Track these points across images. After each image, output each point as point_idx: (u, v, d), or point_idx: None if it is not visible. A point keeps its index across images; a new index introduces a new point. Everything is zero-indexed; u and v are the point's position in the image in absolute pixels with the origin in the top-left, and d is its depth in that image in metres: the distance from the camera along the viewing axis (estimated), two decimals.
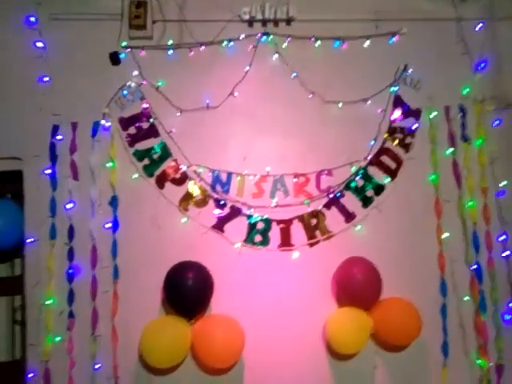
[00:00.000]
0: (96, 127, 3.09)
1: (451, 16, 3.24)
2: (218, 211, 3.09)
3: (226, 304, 2.98)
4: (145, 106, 3.13)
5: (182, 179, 3.11)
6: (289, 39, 3.19)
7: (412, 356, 3.04)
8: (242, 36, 3.17)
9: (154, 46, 3.17)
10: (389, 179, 3.16)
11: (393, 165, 3.18)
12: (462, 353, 3.06)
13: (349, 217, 3.13)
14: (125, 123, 3.12)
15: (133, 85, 3.13)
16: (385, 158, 3.19)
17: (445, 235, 3.11)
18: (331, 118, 3.19)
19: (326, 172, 3.14)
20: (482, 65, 3.22)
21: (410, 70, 3.22)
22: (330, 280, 3.07)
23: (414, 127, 3.20)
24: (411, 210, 3.14)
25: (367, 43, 3.22)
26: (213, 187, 3.11)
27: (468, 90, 3.22)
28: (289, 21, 3.20)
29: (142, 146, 3.12)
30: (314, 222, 3.11)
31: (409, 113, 3.22)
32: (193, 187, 3.10)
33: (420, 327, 2.88)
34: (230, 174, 3.11)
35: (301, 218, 3.11)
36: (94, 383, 2.91)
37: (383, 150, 3.19)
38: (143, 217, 3.06)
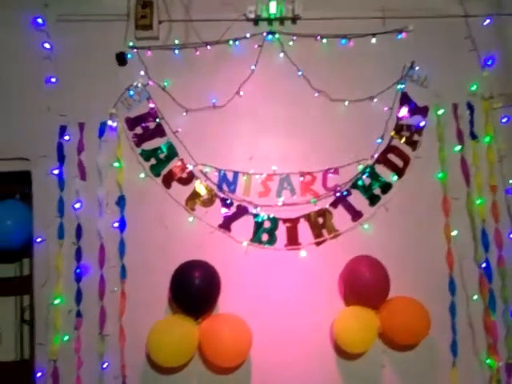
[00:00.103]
0: (103, 127, 3.11)
1: (458, 12, 3.21)
2: (224, 210, 3.09)
3: (233, 303, 2.98)
4: (151, 105, 3.15)
5: (189, 179, 3.12)
6: (295, 38, 3.19)
7: (420, 355, 3.01)
8: (248, 35, 3.17)
9: (161, 46, 3.18)
10: (396, 177, 3.14)
11: (400, 163, 3.16)
12: (472, 352, 3.02)
13: (356, 215, 3.11)
14: (131, 123, 3.14)
15: (139, 85, 3.15)
16: (392, 156, 3.16)
17: (453, 233, 3.08)
18: (338, 116, 3.17)
19: (332, 170, 3.13)
20: (490, 61, 3.19)
21: (416, 68, 3.20)
22: (337, 279, 3.05)
23: (421, 125, 3.17)
24: (419, 208, 3.12)
25: (374, 41, 3.21)
26: (219, 186, 3.11)
27: (476, 86, 3.19)
28: (294, 19, 3.20)
29: (149, 145, 3.13)
30: (320, 220, 3.10)
31: (416, 110, 3.19)
32: (199, 187, 3.11)
33: (428, 326, 2.85)
34: (236, 174, 3.11)
35: (307, 217, 3.10)
36: (102, 382, 2.93)
37: (390, 148, 3.17)
38: (150, 216, 3.07)
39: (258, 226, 3.08)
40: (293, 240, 3.08)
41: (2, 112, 3.11)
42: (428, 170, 3.15)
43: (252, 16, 3.16)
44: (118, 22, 3.15)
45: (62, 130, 3.10)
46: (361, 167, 3.14)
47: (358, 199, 3.13)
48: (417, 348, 3.00)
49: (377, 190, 3.13)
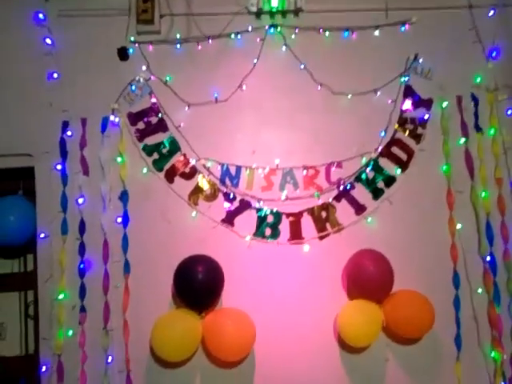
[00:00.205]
0: (105, 123, 3.10)
1: (462, 3, 3.18)
2: (227, 205, 3.08)
3: (236, 297, 2.98)
4: (153, 100, 3.14)
5: (192, 173, 3.11)
6: (297, 30, 3.17)
7: (424, 349, 3.00)
8: (250, 28, 3.16)
9: (162, 40, 3.17)
10: (400, 170, 3.12)
11: (404, 156, 3.13)
12: (476, 345, 3.01)
13: (359, 209, 3.09)
14: (134, 118, 3.13)
15: (141, 80, 3.14)
16: (396, 150, 3.14)
17: (457, 226, 3.06)
18: (341, 109, 3.15)
19: (335, 164, 3.11)
20: (494, 53, 3.16)
21: (420, 60, 3.17)
22: (341, 273, 3.05)
23: (425, 117, 3.15)
24: (423, 202, 3.10)
25: (377, 33, 3.18)
26: (222, 181, 3.10)
27: (480, 78, 3.16)
28: (297, 12, 3.17)
29: (151, 140, 3.12)
30: (324, 214, 3.09)
31: (420, 103, 3.16)
32: (202, 181, 3.10)
33: (432, 320, 2.84)
34: (238, 168, 3.10)
35: (311, 211, 3.08)
36: (106, 376, 2.93)
37: (394, 141, 3.15)
38: (153, 211, 3.07)
39: (261, 220, 3.07)
40: (296, 234, 3.07)
41: (4, 108, 3.11)
42: (432, 163, 3.13)
43: (254, 9, 3.14)
44: (119, 16, 3.13)
45: (65, 126, 3.10)
46: (364, 160, 3.12)
47: (361, 193, 3.11)
48: (421, 341, 2.99)
49: (380, 184, 3.12)
